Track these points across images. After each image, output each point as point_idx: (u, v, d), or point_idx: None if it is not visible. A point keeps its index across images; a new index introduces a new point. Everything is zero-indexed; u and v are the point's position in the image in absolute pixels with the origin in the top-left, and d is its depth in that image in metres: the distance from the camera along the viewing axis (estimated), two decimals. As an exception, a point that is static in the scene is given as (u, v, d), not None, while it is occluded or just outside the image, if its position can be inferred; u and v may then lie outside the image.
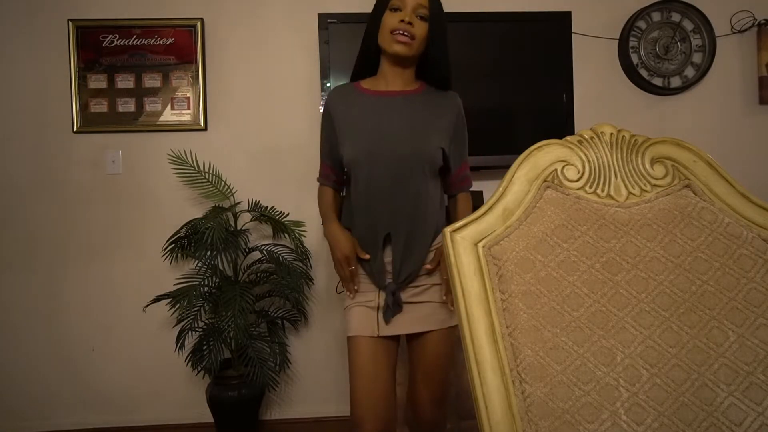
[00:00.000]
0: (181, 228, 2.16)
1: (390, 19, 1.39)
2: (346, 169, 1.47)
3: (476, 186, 2.41)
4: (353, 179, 1.44)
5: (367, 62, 1.50)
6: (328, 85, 2.20)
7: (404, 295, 1.44)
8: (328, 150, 1.51)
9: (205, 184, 2.25)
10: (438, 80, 1.49)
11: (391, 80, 1.46)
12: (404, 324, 1.43)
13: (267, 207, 2.28)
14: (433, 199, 1.45)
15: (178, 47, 2.35)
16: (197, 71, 2.35)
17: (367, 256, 1.43)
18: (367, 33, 1.46)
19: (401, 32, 1.37)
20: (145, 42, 2.33)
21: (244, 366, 2.09)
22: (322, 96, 2.19)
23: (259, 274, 2.25)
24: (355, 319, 1.44)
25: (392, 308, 1.41)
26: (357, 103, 1.45)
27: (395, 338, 1.46)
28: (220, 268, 2.20)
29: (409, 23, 1.37)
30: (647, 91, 2.49)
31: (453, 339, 1.47)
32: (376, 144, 1.39)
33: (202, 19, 2.35)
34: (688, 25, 2.45)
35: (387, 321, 1.42)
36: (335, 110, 1.46)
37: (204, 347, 2.09)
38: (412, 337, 1.48)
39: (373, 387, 1.39)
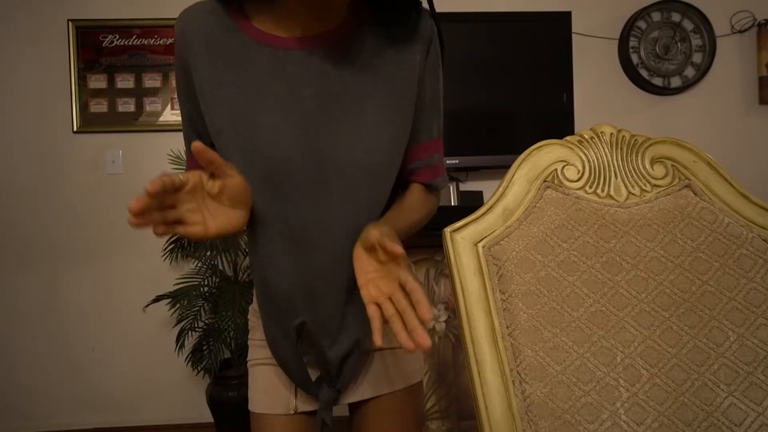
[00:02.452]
0: (181, 228, 2.16)
1: None
2: None
3: (476, 186, 2.43)
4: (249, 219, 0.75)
5: None
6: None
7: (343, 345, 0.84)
8: (191, 130, 0.82)
9: (205, 184, 2.25)
10: None
11: (298, 13, 0.73)
12: (343, 389, 0.88)
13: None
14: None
15: (178, 47, 2.35)
16: (197, 71, 2.35)
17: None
18: None
19: None
20: (145, 42, 2.33)
21: (244, 366, 2.09)
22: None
23: (259, 274, 2.25)
24: (262, 385, 0.94)
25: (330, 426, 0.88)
26: (239, 59, 0.74)
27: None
28: (220, 268, 2.20)
29: None
30: (647, 91, 2.49)
31: (422, 400, 0.94)
32: (283, 162, 0.73)
33: (202, 19, 2.35)
34: (688, 25, 2.45)
35: None
36: (196, 61, 0.75)
37: (204, 347, 2.09)
38: (356, 407, 0.93)
39: None
